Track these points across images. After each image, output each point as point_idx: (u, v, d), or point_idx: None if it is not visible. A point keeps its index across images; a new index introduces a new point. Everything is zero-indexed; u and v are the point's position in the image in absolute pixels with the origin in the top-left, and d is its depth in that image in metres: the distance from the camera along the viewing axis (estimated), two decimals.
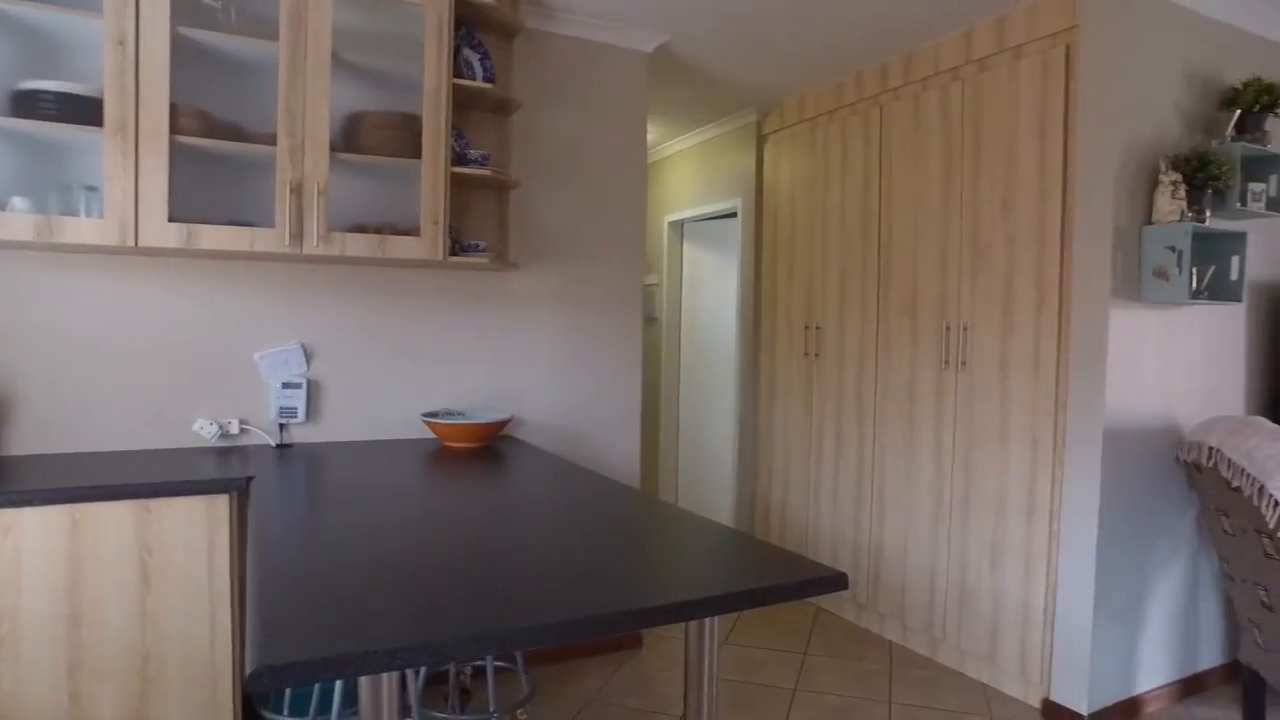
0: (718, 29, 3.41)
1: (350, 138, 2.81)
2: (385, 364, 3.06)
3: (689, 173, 5.42)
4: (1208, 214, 2.79)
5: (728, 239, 5.38)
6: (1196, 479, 2.79)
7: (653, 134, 5.31)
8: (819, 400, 4.06)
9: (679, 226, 5.67)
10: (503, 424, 2.93)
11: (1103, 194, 2.76)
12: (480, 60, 3.10)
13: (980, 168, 3.19)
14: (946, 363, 3.32)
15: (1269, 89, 2.90)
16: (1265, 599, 2.51)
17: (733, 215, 5.11)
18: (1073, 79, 2.87)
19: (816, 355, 4.08)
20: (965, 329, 3.24)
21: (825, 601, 4.05)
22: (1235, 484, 2.41)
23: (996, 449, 3.12)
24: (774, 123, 4.51)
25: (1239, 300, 2.86)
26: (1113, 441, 2.79)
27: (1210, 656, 3.19)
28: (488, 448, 2.87)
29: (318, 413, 2.95)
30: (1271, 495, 2.24)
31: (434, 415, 3.00)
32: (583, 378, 3.44)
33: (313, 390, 2.94)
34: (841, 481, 3.90)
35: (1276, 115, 2.96)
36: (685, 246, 5.69)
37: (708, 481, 5.55)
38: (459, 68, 3.01)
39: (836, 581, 1.30)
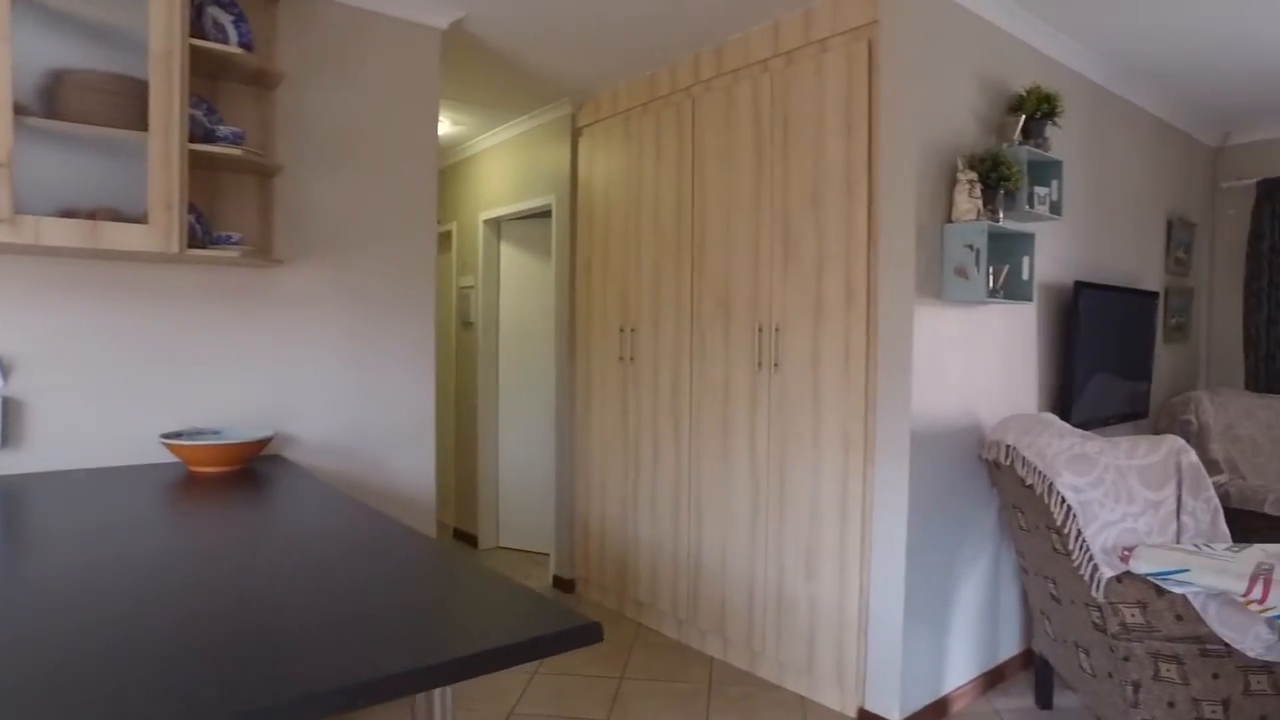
0: (517, 8, 3.14)
1: (50, 101, 2.30)
2: (117, 376, 2.54)
3: (504, 168, 5.11)
4: (1001, 214, 2.83)
5: (547, 238, 5.11)
6: (996, 476, 2.81)
7: (465, 126, 4.96)
8: (635, 407, 3.87)
9: (496, 225, 5.34)
10: (261, 444, 2.50)
11: (905, 191, 2.72)
12: (235, 23, 2.65)
13: (790, 162, 3.11)
14: (760, 364, 3.22)
15: (1047, 98, 2.99)
16: (1054, 591, 2.54)
17: (548, 213, 4.85)
18: (875, 74, 2.83)
19: (632, 359, 3.89)
20: (777, 329, 3.14)
21: (646, 618, 3.86)
22: (1029, 481, 2.41)
23: (810, 452, 3.03)
24: (589, 115, 4.30)
25: (1030, 300, 2.92)
26: (920, 441, 2.76)
27: (1009, 646, 3.26)
28: (246, 472, 2.44)
29: (19, 438, 2.39)
30: (1059, 492, 2.25)
31: (177, 435, 2.52)
32: (367, 389, 3.04)
33: (10, 410, 2.38)
34: (659, 491, 3.73)
35: (1055, 124, 3.07)
36: (503, 246, 5.37)
37: (530, 497, 5.25)
38: (205, 29, 2.56)
39: (584, 634, 1.05)
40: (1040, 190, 3.03)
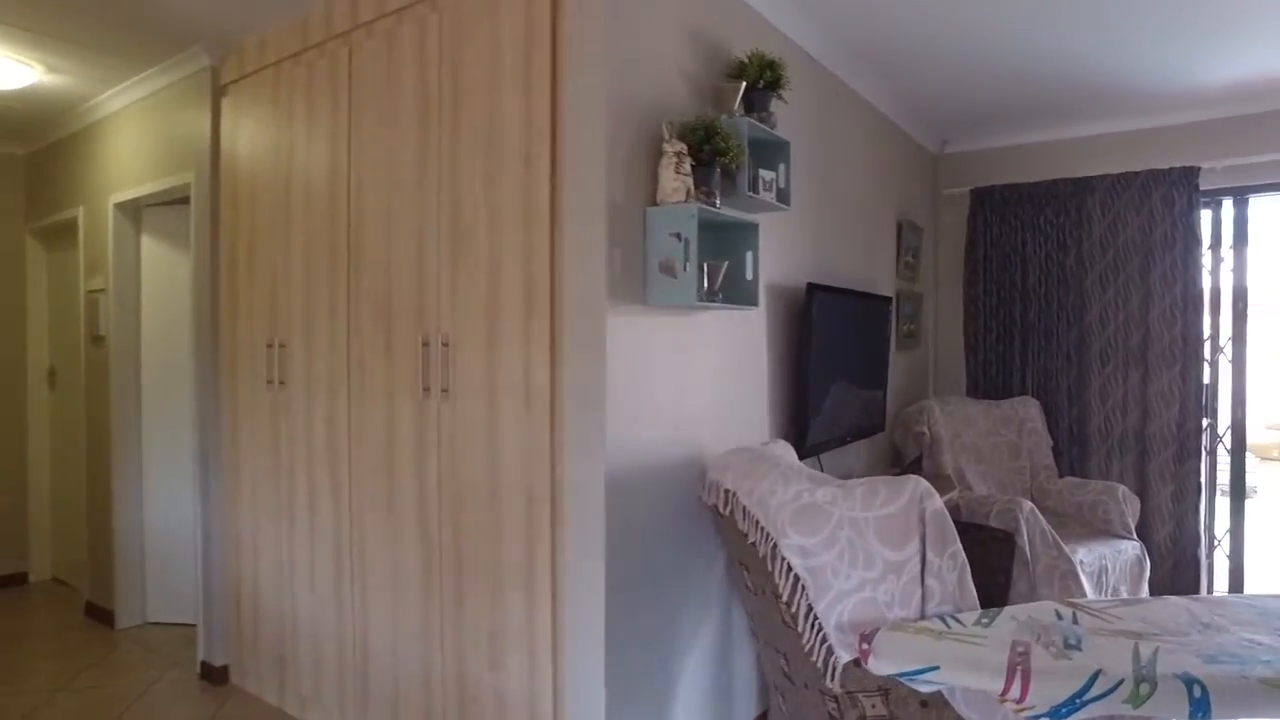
0: None
1: None
2: None
3: (137, 137, 3.94)
4: (718, 197, 2.29)
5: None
6: (719, 524, 2.26)
7: (69, 75, 3.74)
8: (288, 444, 2.96)
9: (133, 211, 4.14)
10: None
11: (593, 164, 2.10)
12: None
13: (461, 128, 2.39)
14: (427, 390, 2.46)
15: (771, 65, 2.53)
16: (786, 669, 2.03)
17: (187, 196, 3.77)
18: (560, 12, 2.18)
19: (282, 383, 2.97)
20: (447, 344, 2.41)
21: (311, 716, 2.95)
22: (751, 538, 1.87)
23: (488, 506, 2.32)
24: (233, 70, 3.31)
25: (755, 304, 2.43)
26: (621, 485, 2.14)
27: (745, 710, 2.76)
28: None
29: None
30: (784, 557, 1.71)
31: None
32: None
33: None
34: (319, 553, 2.85)
35: (780, 97, 2.61)
36: (145, 239, 4.18)
37: (185, 558, 4.09)
38: None
39: None
40: (766, 174, 2.56)
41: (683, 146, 2.17)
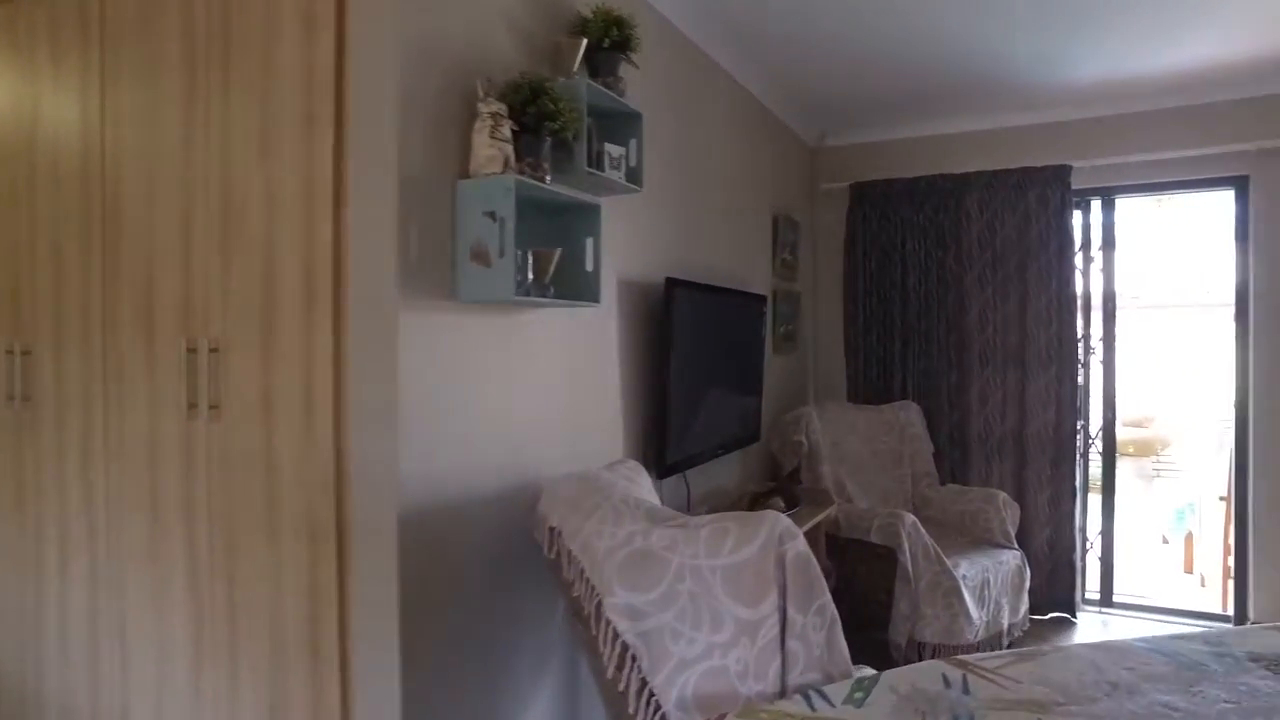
0: None
1: None
2: None
3: None
4: (548, 172, 1.91)
5: None
6: (551, 566, 1.88)
7: None
8: (34, 476, 2.39)
9: None
10: None
11: (382, 124, 1.68)
12: None
13: (232, 80, 1.92)
14: (194, 406, 1.97)
15: (619, 22, 2.18)
16: None
17: None
18: None
19: (26, 399, 2.40)
20: (216, 349, 1.93)
21: None
22: (575, 591, 1.49)
23: (266, 550, 1.86)
24: None
25: (594, 300, 2.06)
26: (432, 521, 1.73)
27: None
28: None
29: None
30: (609, 620, 1.35)
31: None
32: None
33: None
34: (71, 615, 2.30)
35: (630, 60, 2.26)
36: None
37: None
38: None
39: None
40: (614, 149, 2.20)
41: (501, 107, 1.78)
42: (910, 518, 3.19)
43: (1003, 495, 3.66)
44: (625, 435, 2.54)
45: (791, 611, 1.33)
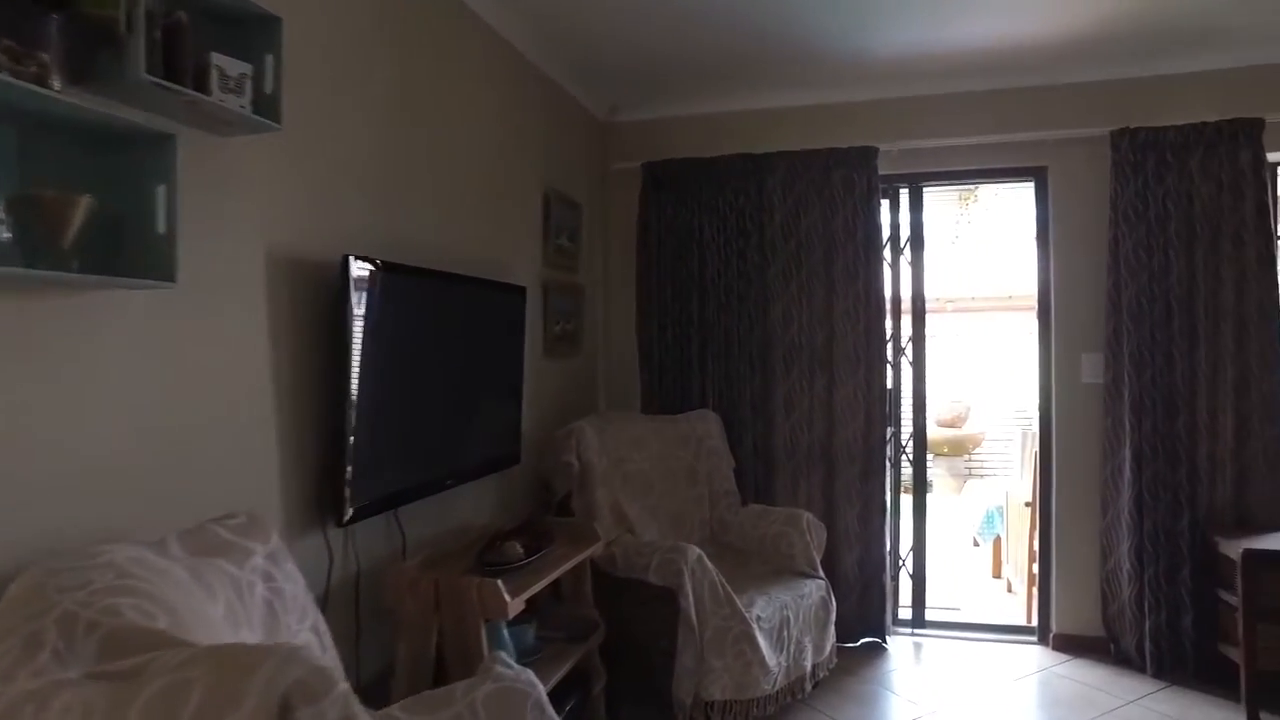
0: None
1: None
2: None
3: None
4: (54, 73, 1.19)
5: None
6: None
7: None
8: None
9: None
10: None
11: None
12: None
13: None
14: None
15: None
16: None
17: None
18: None
19: None
20: None
21: None
22: None
23: None
24: None
25: (169, 278, 1.36)
26: None
27: None
28: None
29: None
30: None
31: None
32: None
33: None
34: None
35: None
36: None
37: None
38: None
39: None
40: (229, 64, 1.50)
41: None
42: (695, 552, 2.67)
43: (807, 516, 3.23)
44: (285, 473, 1.84)
45: None
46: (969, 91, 3.56)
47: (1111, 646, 3.39)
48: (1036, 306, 3.66)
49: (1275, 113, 3.17)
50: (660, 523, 3.25)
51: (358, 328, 1.88)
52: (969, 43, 3.17)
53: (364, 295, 1.90)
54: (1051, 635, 3.54)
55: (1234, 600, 2.93)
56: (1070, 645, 3.48)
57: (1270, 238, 3.19)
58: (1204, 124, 3.21)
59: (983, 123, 3.54)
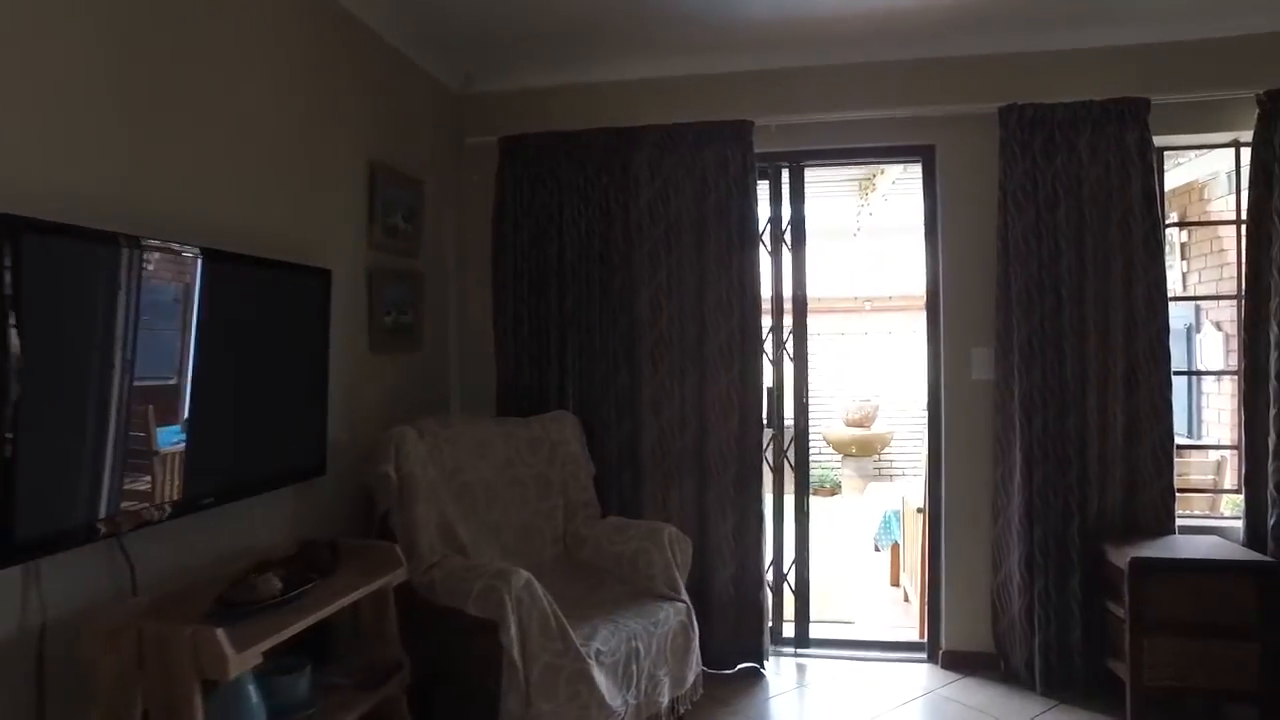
0: None
1: None
2: None
3: None
4: None
5: None
6: None
7: None
8: None
9: None
10: None
11: None
12: None
13: None
14: None
15: None
16: None
17: None
18: None
19: None
20: None
21: None
22: None
23: None
24: None
25: None
26: None
27: None
28: None
29: None
30: None
31: None
32: None
33: None
34: None
35: None
36: None
37: None
38: None
39: None
40: None
41: None
42: (523, 577, 2.29)
43: (669, 531, 2.88)
44: None
45: None
46: (852, 63, 3.28)
47: (1001, 663, 3.15)
48: (925, 298, 3.41)
49: (1161, 94, 2.98)
50: (504, 540, 2.85)
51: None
52: (851, 9, 2.89)
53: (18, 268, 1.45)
54: (941, 652, 3.28)
55: (1121, 612, 2.71)
56: (960, 663, 3.23)
57: (1156, 224, 2.99)
58: (1091, 102, 3.00)
59: (866, 97, 3.27)
